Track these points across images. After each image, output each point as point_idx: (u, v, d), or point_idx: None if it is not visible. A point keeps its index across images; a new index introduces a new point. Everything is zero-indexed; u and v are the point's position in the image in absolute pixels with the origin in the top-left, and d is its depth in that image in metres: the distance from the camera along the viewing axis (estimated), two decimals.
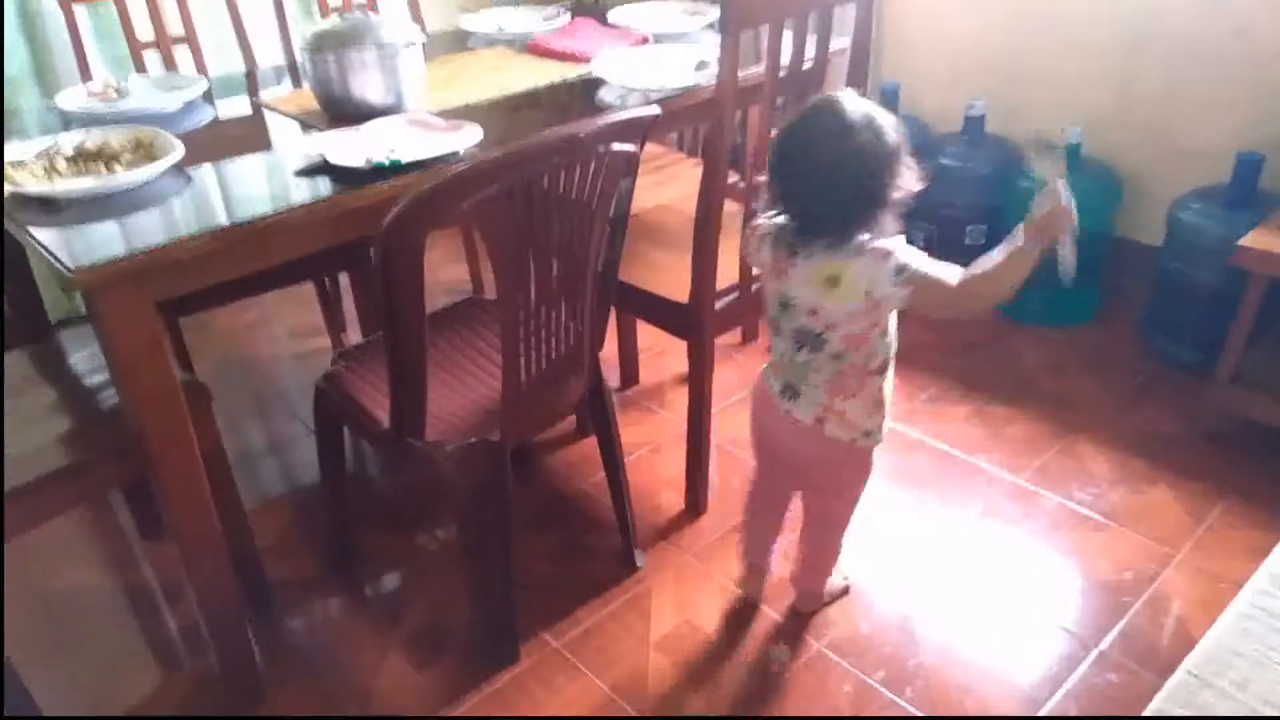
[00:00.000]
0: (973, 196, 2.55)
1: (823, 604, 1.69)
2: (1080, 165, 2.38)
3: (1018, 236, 1.23)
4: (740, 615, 1.69)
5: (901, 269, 1.25)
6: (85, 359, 1.66)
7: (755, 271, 1.70)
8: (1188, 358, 2.27)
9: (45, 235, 1.29)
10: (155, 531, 1.93)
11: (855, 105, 1.25)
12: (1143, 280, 2.39)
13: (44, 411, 1.54)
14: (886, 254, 1.26)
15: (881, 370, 1.39)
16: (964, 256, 2.71)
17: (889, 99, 2.66)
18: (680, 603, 1.72)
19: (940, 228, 2.60)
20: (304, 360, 2.57)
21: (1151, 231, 2.42)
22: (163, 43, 2.18)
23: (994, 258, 1.24)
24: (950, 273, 1.27)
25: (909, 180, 1.28)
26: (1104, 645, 1.59)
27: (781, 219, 1.35)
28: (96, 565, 1.90)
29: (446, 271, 2.83)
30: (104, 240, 1.28)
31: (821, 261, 1.30)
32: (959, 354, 2.41)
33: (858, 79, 1.78)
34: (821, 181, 1.25)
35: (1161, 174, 2.42)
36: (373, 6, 2.42)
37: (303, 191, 1.41)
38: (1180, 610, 1.65)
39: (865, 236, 1.28)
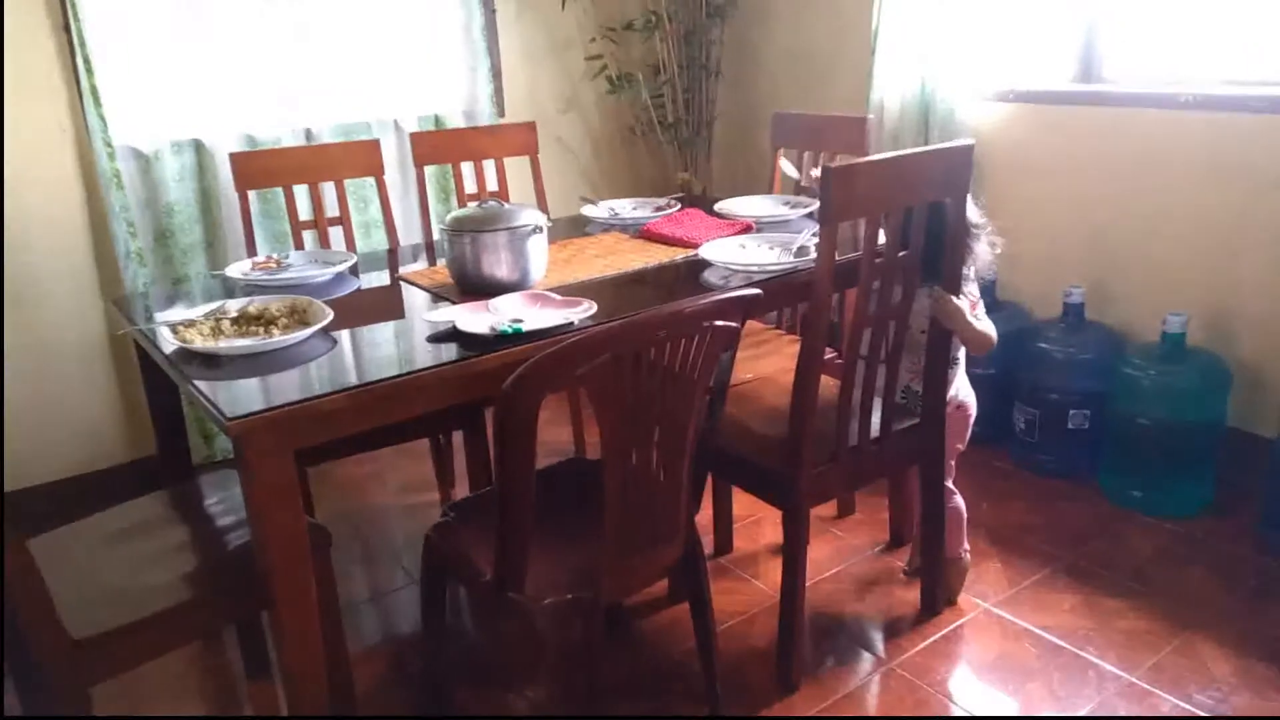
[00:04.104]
0: (1074, 381, 2.54)
1: None
2: (1184, 354, 2.37)
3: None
4: None
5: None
6: (218, 502, 1.80)
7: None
8: None
9: (207, 387, 1.46)
10: (260, 671, 2.00)
11: None
12: (1258, 473, 2.31)
13: (175, 549, 1.66)
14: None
15: None
16: (1069, 442, 2.68)
17: (985, 288, 2.72)
18: None
19: (1043, 412, 2.59)
20: (412, 512, 2.68)
21: (1267, 423, 2.35)
22: (320, 223, 2.46)
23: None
24: None
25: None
26: None
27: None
28: (200, 701, 1.98)
29: (551, 433, 2.95)
30: (257, 393, 1.44)
31: None
32: (1065, 540, 2.34)
33: (953, 266, 1.87)
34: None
35: (1275, 364, 2.38)
36: (505, 196, 2.68)
37: (433, 355, 1.56)
38: None
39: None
